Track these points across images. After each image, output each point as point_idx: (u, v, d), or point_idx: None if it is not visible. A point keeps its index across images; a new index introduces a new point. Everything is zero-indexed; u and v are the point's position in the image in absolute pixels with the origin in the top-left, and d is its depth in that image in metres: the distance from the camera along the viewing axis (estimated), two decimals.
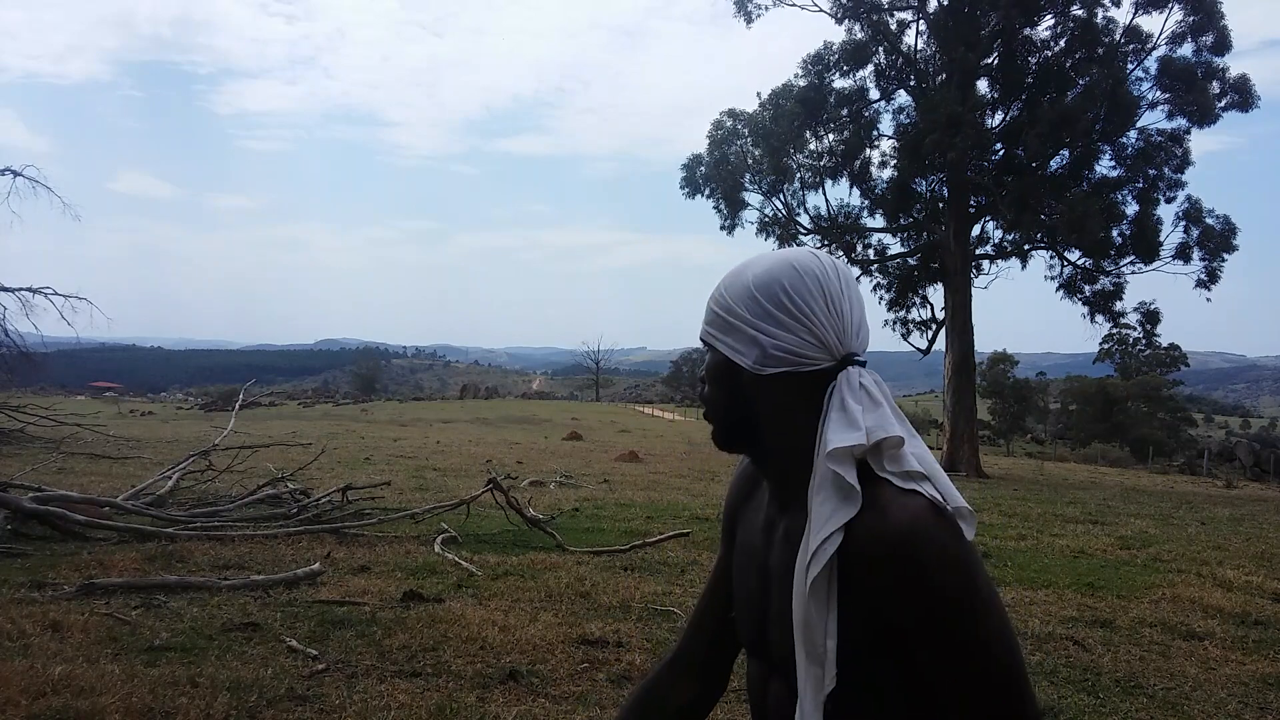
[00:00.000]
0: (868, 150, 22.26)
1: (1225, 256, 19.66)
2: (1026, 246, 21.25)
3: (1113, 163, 20.48)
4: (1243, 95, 19.18)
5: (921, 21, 20.82)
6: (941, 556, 0.92)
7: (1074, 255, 20.86)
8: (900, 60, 21.38)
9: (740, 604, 1.17)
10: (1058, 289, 21.51)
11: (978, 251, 21.80)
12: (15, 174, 17.76)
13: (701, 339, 1.12)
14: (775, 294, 1.04)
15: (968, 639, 0.93)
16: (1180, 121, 19.73)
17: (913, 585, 0.92)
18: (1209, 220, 19.68)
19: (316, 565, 6.09)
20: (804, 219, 23.42)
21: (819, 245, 21.84)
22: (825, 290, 1.03)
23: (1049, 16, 19.88)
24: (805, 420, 1.03)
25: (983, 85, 20.98)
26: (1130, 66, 19.63)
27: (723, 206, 23.80)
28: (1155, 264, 20.06)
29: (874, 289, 22.90)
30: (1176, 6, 19.05)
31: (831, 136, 22.10)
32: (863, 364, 1.04)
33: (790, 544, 1.04)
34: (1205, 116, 19.15)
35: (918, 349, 22.81)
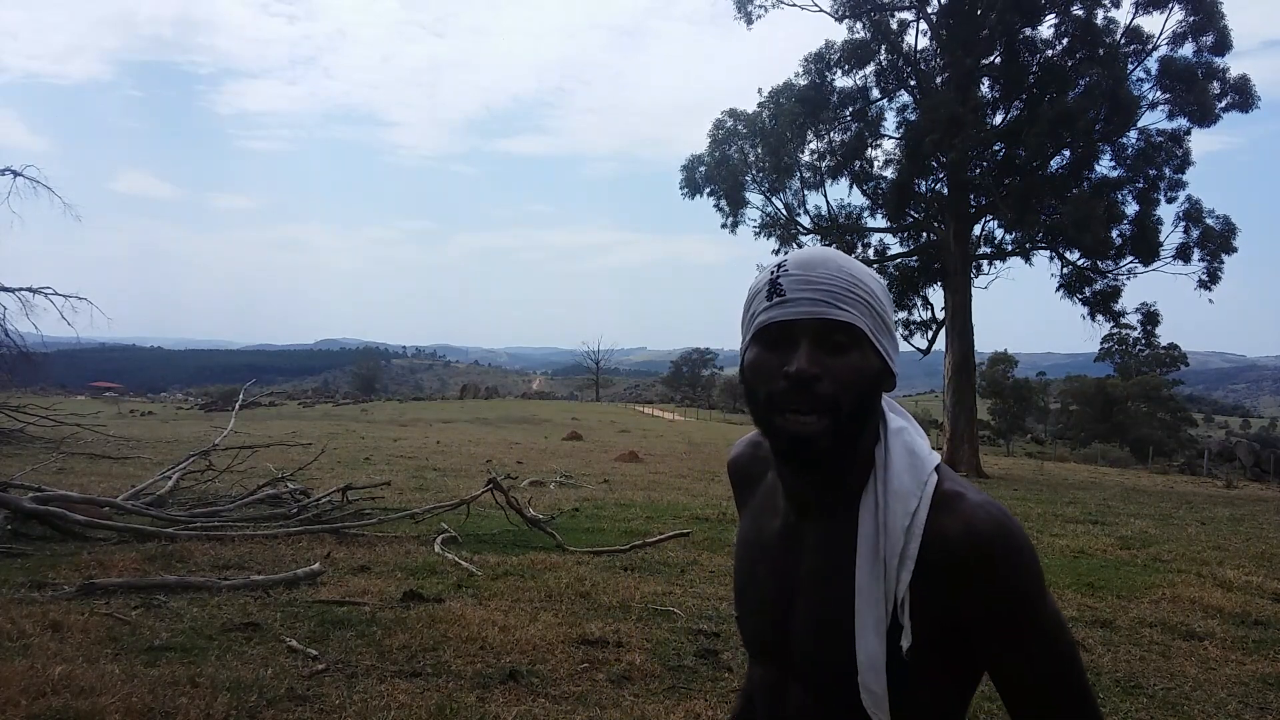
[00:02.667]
0: (869, 150, 22.26)
1: (1225, 257, 19.67)
2: (1027, 246, 21.24)
3: (1113, 163, 20.49)
4: (1243, 95, 19.18)
5: (922, 21, 20.83)
6: (1023, 555, 0.94)
7: (1074, 255, 20.86)
8: (901, 60, 21.37)
9: (751, 609, 1.14)
10: (1058, 289, 21.53)
11: (978, 252, 21.79)
12: (15, 174, 17.78)
13: (837, 320, 0.95)
14: (890, 301, 1.03)
15: (1045, 633, 0.94)
16: (1180, 121, 19.75)
17: (998, 583, 0.93)
18: (1209, 221, 19.68)
19: (316, 565, 6.09)
20: (804, 219, 23.44)
21: (820, 245, 21.79)
22: None
23: (1050, 17, 19.89)
24: (874, 430, 1.03)
25: (984, 85, 20.97)
26: (1131, 66, 19.62)
27: (724, 205, 23.79)
28: (1155, 264, 20.07)
29: None
30: (1177, 7, 19.06)
31: (833, 136, 22.09)
32: None
33: (828, 552, 1.03)
34: (1205, 116, 19.15)
35: (918, 349, 22.80)
